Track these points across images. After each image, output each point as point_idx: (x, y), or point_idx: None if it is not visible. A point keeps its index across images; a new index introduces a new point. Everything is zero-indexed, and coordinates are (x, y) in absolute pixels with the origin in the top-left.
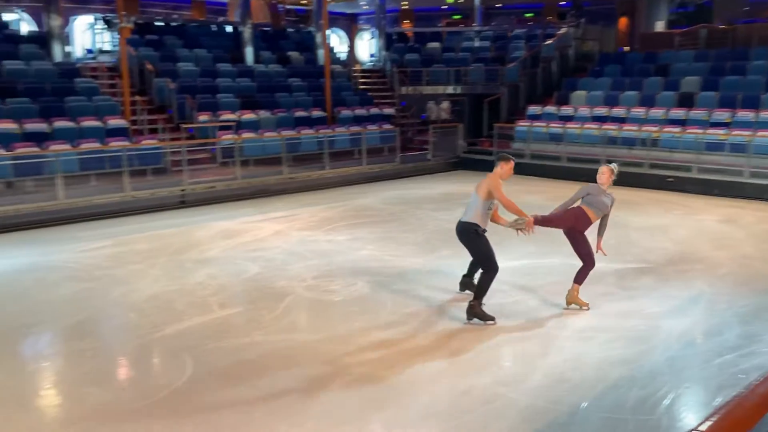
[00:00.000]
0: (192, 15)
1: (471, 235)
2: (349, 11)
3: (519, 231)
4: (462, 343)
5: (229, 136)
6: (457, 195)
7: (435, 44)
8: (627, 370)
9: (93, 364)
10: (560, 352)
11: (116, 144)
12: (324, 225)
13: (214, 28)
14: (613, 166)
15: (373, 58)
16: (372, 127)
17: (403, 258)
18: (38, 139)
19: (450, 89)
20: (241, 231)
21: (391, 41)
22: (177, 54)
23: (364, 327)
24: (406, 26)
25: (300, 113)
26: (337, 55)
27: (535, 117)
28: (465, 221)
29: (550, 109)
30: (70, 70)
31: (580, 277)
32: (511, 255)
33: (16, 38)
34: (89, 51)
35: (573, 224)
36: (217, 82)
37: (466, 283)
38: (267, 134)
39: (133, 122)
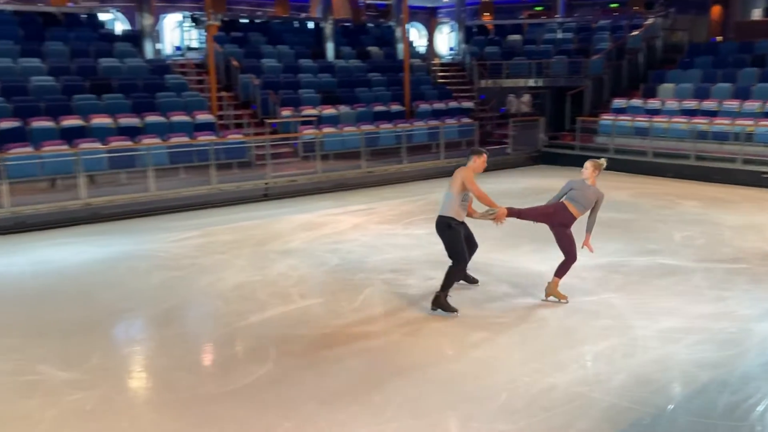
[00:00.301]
0: (275, 11)
1: (444, 228)
2: (428, 5)
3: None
4: (542, 341)
5: (311, 131)
6: (538, 189)
7: (516, 36)
8: (717, 373)
9: (182, 349)
10: (645, 352)
11: (204, 138)
12: (402, 219)
13: (296, 24)
14: (602, 161)
15: (452, 52)
16: (450, 121)
17: (484, 253)
18: (131, 133)
19: (531, 82)
20: (321, 224)
21: (470, 34)
22: (261, 50)
23: (441, 322)
24: (487, 18)
25: (379, 108)
26: (417, 49)
27: (620, 110)
28: (441, 215)
29: (636, 102)
30: (160, 67)
31: (560, 271)
32: (597, 252)
33: (111, 37)
34: (178, 48)
35: (551, 219)
36: (299, 78)
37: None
38: (347, 129)
39: (220, 117)
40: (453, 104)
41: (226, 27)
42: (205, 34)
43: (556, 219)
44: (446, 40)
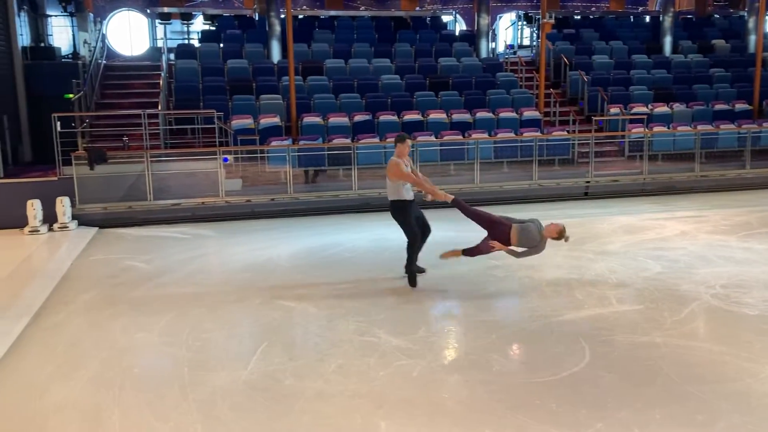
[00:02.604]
0: (609, 7)
1: (393, 211)
2: None
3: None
4: None
5: (639, 130)
6: None
7: None
8: None
9: (498, 334)
10: None
11: (528, 134)
12: (739, 230)
13: (631, 19)
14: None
15: None
16: None
17: None
18: (462, 128)
19: None
20: (643, 228)
21: None
22: (592, 47)
23: None
24: None
25: (720, 106)
26: None
27: None
28: (390, 200)
29: None
30: (493, 65)
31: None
32: None
33: (451, 37)
34: (510, 46)
35: (490, 228)
36: (630, 74)
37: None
38: (680, 128)
39: (546, 114)
40: None
41: (559, 24)
42: (538, 32)
43: (493, 231)
44: None
